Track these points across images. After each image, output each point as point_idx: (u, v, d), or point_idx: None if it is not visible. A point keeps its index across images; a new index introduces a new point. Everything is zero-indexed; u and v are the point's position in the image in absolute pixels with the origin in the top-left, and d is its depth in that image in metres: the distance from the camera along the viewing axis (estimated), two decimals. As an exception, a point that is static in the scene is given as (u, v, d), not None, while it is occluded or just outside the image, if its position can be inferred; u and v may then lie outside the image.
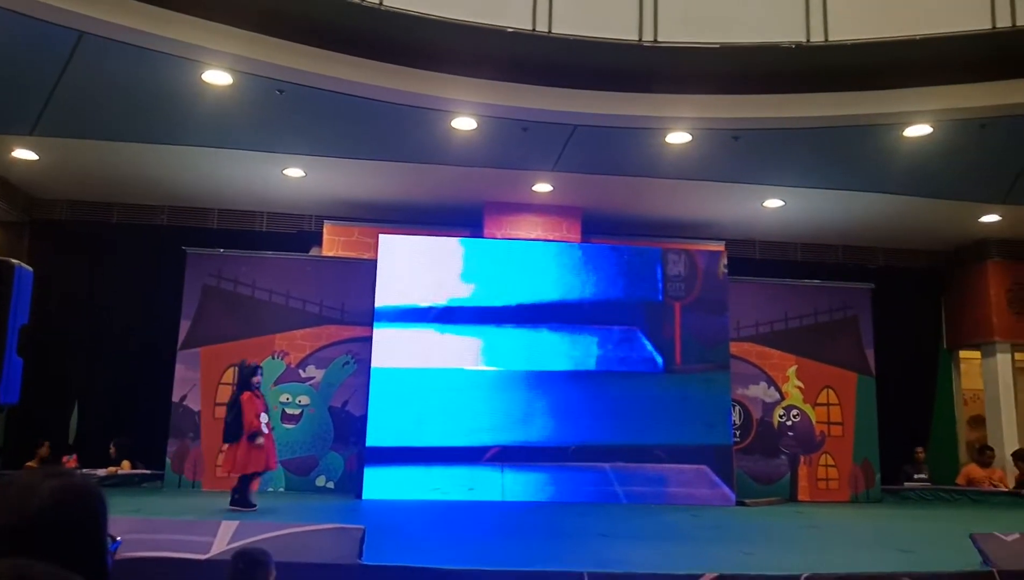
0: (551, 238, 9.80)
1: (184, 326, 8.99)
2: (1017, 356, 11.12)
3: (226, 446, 7.26)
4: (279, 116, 7.73)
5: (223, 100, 7.35)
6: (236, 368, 7.53)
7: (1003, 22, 6.66)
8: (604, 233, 10.17)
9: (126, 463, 8.97)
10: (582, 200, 9.77)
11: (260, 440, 6.95)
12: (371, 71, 7.01)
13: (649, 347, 9.24)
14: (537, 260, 9.33)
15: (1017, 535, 4.53)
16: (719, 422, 9.19)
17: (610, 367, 9.16)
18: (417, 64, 7.09)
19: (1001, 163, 8.45)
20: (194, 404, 8.88)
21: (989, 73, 7.08)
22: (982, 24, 6.71)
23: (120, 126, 7.97)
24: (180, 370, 8.91)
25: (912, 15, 6.85)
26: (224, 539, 4.38)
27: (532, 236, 9.79)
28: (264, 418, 7.09)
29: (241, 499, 6.99)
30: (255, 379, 7.26)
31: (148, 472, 8.89)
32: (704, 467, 9.00)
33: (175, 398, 8.87)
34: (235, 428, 7.01)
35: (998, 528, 4.72)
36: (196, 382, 8.91)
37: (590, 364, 9.15)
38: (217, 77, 6.93)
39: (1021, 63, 6.94)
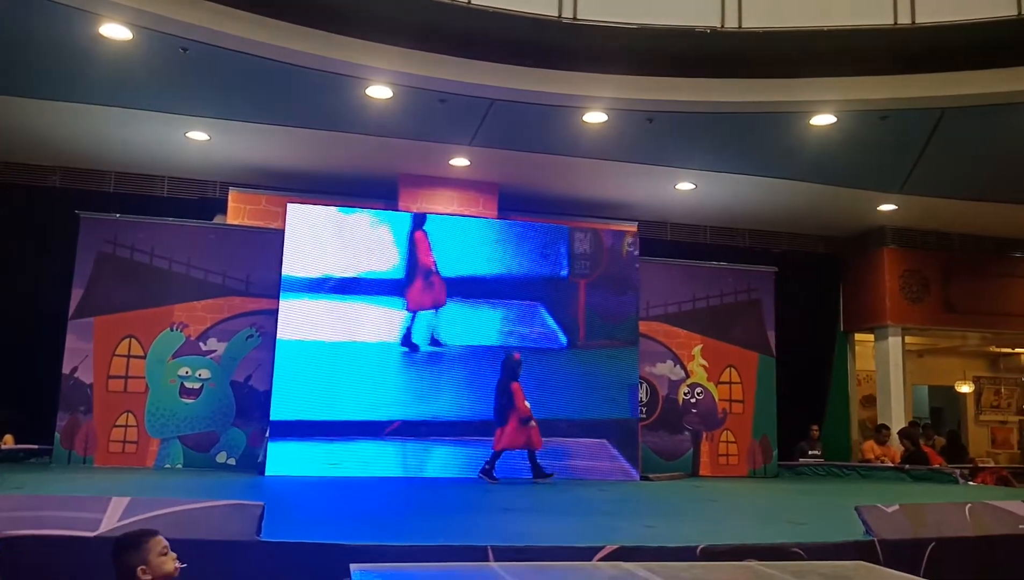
0: (467, 213, 9.74)
1: (76, 294, 8.55)
2: (907, 339, 11.74)
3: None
4: (183, 76, 7.39)
5: (122, 56, 6.98)
6: (503, 361, 8.68)
7: (904, 19, 6.94)
8: (520, 210, 10.17)
9: (9, 437, 8.48)
10: (499, 176, 9.73)
11: (532, 423, 8.28)
12: (282, 33, 6.77)
13: (551, 323, 9.33)
14: (446, 235, 9.25)
15: (897, 507, 4.77)
16: (623, 398, 9.37)
17: (514, 343, 9.20)
18: (331, 28, 6.89)
19: (898, 154, 8.83)
20: (86, 376, 8.47)
21: (890, 67, 7.37)
22: (885, 20, 6.97)
23: (8, 79, 7.47)
24: (71, 340, 8.48)
25: (820, 7, 7.06)
26: (115, 515, 4.17)
27: (448, 211, 9.70)
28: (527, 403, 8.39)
29: (489, 471, 8.30)
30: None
31: (35, 447, 8.44)
32: (603, 441, 9.17)
33: (65, 370, 8.44)
34: (508, 412, 8.32)
35: (882, 501, 4.96)
36: (89, 353, 8.49)
37: (494, 339, 9.16)
38: (115, 31, 6.57)
39: (919, 59, 7.25)
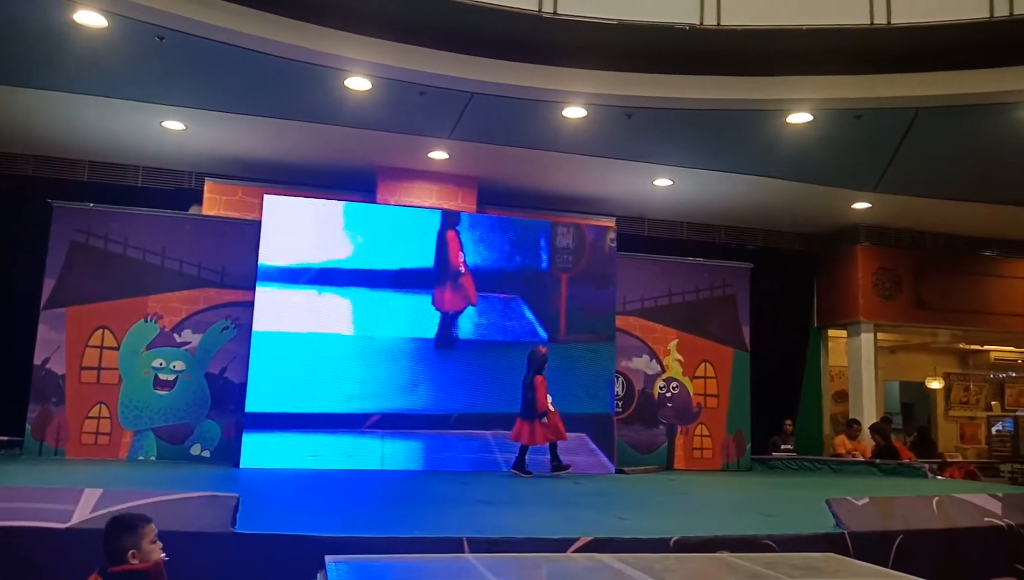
0: (446, 207, 9.72)
1: (48, 284, 8.44)
2: (879, 335, 11.90)
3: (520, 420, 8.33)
4: (159, 65, 7.31)
5: (97, 43, 6.89)
6: (529, 354, 8.47)
7: (880, 19, 7.02)
8: (499, 204, 10.18)
9: (-20, 429, 8.38)
10: (478, 170, 9.73)
11: (546, 419, 8.15)
12: (260, 22, 6.71)
13: (529, 316, 9.37)
14: (427, 228, 9.23)
15: (867, 500, 4.85)
16: (601, 392, 9.43)
17: (494, 336, 9.24)
18: (310, 18, 6.86)
19: (873, 153, 8.94)
20: (58, 367, 8.37)
21: (866, 67, 7.46)
22: (861, 20, 7.05)
23: (-22, 65, 7.34)
24: (43, 331, 8.37)
25: (798, 6, 7.11)
26: (87, 507, 4.14)
27: (427, 204, 9.68)
28: (549, 398, 8.25)
29: (520, 466, 8.23)
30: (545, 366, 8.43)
31: (5, 439, 8.31)
32: (583, 435, 9.22)
33: (37, 360, 8.33)
34: (532, 406, 8.15)
35: (852, 494, 5.03)
36: (61, 344, 8.39)
37: (474, 333, 9.19)
38: (90, 18, 6.48)
39: (894, 59, 7.34)
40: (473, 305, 9.17)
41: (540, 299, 9.44)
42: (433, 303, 9.08)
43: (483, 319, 9.25)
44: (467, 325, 9.19)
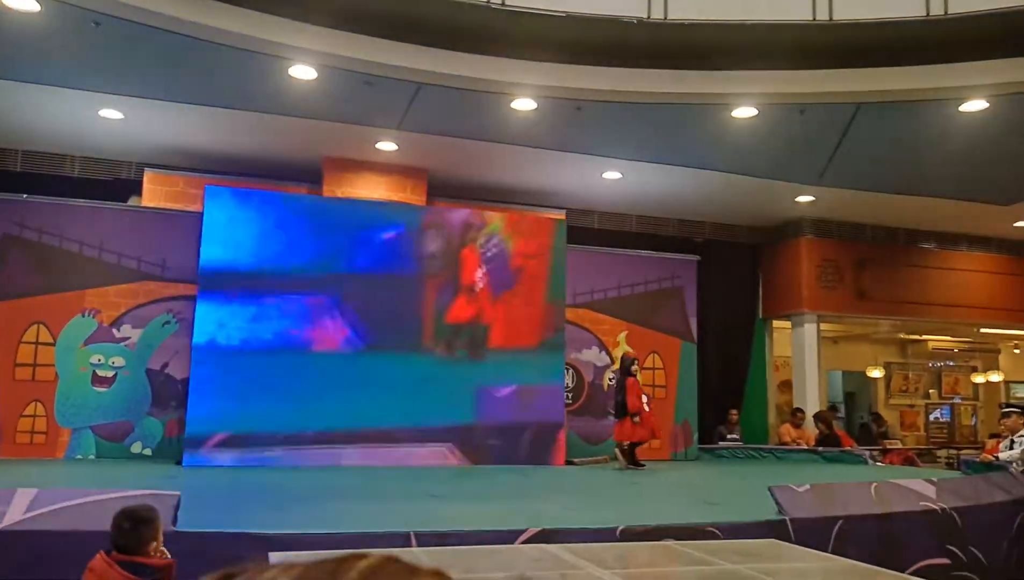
0: (395, 199, 9.63)
1: (-21, 278, 8.13)
2: (822, 326, 12.16)
3: (614, 420, 8.91)
4: (95, 51, 7.07)
5: (29, 28, 6.64)
6: (621, 358, 9.13)
7: (822, 15, 7.15)
8: (450, 196, 10.11)
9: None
10: (428, 162, 9.64)
11: (638, 419, 8.50)
12: (201, 8, 6.54)
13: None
14: (376, 225, 9.14)
15: (808, 487, 4.97)
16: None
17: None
18: (253, 5, 6.69)
19: (816, 147, 9.11)
20: (-10, 364, 8.09)
21: (809, 62, 7.58)
22: (804, 15, 7.17)
23: (-100, 48, 7.01)
24: (-27, 327, 8.08)
25: (744, 1, 7.20)
26: (20, 508, 4.01)
27: (375, 196, 9.57)
28: (644, 398, 8.62)
29: (631, 461, 8.62)
30: (634, 368, 8.82)
31: (-67, 439, 8.02)
32: (528, 426, 9.25)
33: (-33, 358, 8.03)
34: (624, 407, 8.52)
35: (794, 481, 5.14)
36: (-7, 340, 8.10)
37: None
38: (21, 2, 6.22)
39: (836, 55, 7.48)
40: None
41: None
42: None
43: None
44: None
